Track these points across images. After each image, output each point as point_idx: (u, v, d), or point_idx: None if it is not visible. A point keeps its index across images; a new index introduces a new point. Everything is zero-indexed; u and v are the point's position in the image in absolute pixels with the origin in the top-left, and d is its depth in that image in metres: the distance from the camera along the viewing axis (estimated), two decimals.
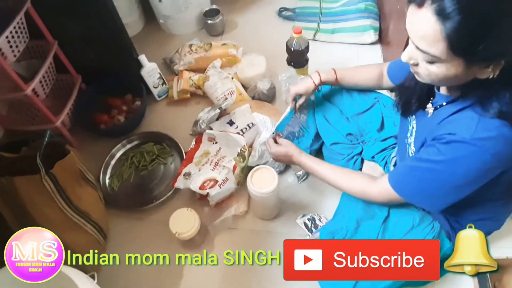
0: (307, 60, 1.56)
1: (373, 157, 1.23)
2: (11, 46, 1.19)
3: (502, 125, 0.71)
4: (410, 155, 0.95)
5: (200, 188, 1.25)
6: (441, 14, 0.63)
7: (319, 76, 1.20)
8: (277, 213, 1.30)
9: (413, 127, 0.94)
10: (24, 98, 1.26)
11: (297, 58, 1.53)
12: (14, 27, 1.20)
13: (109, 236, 1.31)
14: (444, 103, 0.83)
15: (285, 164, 1.40)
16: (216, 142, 1.42)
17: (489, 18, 0.62)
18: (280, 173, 1.39)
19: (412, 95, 0.92)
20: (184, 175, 1.32)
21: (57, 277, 0.81)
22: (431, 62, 0.71)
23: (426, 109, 0.89)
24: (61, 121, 1.41)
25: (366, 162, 1.29)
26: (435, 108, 0.86)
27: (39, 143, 1.04)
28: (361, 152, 1.28)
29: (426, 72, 0.73)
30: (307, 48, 1.49)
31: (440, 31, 0.64)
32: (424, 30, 0.66)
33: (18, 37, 1.23)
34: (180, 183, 1.31)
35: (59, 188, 1.05)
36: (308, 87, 1.21)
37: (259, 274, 1.20)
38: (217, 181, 1.26)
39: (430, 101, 0.88)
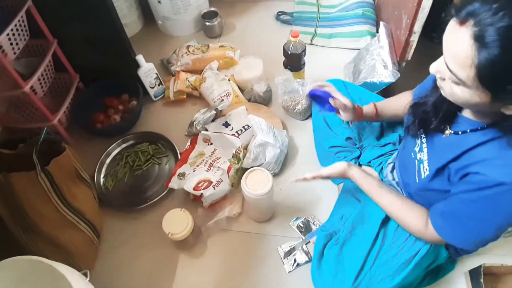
0: (304, 64, 1.57)
1: (369, 162, 1.25)
2: (11, 44, 1.20)
3: None
4: (423, 174, 0.89)
5: (194, 189, 1.26)
6: (480, 40, 0.59)
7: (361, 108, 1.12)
8: (271, 215, 1.31)
9: (422, 142, 0.90)
10: (22, 95, 1.27)
11: (294, 62, 1.54)
12: (15, 25, 1.20)
13: (103, 235, 1.31)
14: (468, 130, 0.77)
15: (280, 167, 1.41)
16: (211, 143, 1.43)
17: None
18: (275, 175, 1.41)
19: (433, 114, 0.85)
20: (178, 175, 1.33)
21: (50, 274, 0.82)
22: (456, 84, 0.68)
23: (444, 133, 0.83)
24: (58, 119, 1.42)
25: (363, 167, 1.30)
26: (455, 133, 0.81)
27: (35, 140, 1.05)
28: (358, 157, 1.29)
29: (450, 90, 0.70)
30: (304, 52, 1.50)
31: (472, 57, 0.60)
32: (457, 50, 0.63)
33: (19, 34, 1.23)
34: (174, 183, 1.32)
35: (54, 185, 1.05)
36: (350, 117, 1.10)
37: (253, 275, 1.21)
38: (211, 182, 1.27)
39: (448, 124, 0.83)
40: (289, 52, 1.49)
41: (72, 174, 1.15)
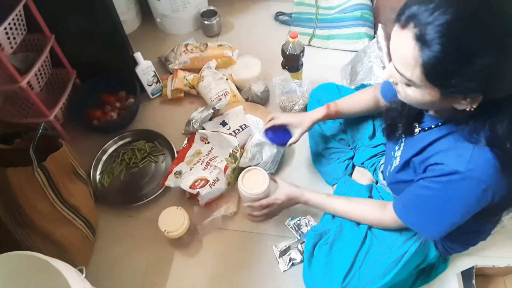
0: (302, 64, 1.58)
1: (363, 163, 1.26)
2: (8, 38, 1.19)
3: (492, 156, 0.70)
4: (392, 168, 0.96)
5: (190, 187, 1.26)
6: (421, 40, 0.62)
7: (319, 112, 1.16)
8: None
9: (401, 142, 0.94)
10: (19, 90, 1.26)
11: (292, 62, 1.54)
12: (13, 19, 1.20)
13: (98, 232, 1.31)
14: (433, 126, 0.82)
15: (276, 166, 1.42)
16: (208, 142, 1.43)
17: (469, 53, 0.60)
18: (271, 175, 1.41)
19: (399, 119, 0.91)
20: (175, 173, 1.33)
21: (46, 270, 0.82)
22: (407, 85, 0.71)
23: (415, 132, 0.88)
24: (54, 115, 1.41)
25: (356, 168, 1.31)
26: (423, 130, 0.85)
27: (32, 136, 1.04)
28: (352, 157, 1.30)
29: (403, 93, 0.74)
30: (302, 52, 1.51)
31: (417, 57, 0.63)
32: (402, 52, 0.66)
33: (16, 29, 1.23)
34: (170, 181, 1.32)
35: (51, 181, 1.05)
36: (304, 121, 1.17)
37: (248, 274, 1.21)
38: (208, 181, 1.27)
39: (417, 123, 0.87)
40: (287, 53, 1.50)
41: (69, 170, 1.15)
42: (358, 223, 1.03)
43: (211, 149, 1.41)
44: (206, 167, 1.33)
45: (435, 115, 0.83)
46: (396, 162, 0.94)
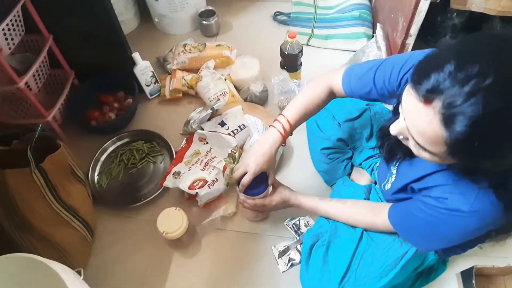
0: (300, 64, 1.58)
1: (360, 163, 1.26)
2: (6, 39, 1.19)
3: (497, 200, 0.68)
4: (387, 186, 0.95)
5: (189, 188, 1.25)
6: (449, 124, 0.55)
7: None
8: (265, 215, 1.31)
9: (400, 158, 0.92)
10: (17, 91, 1.25)
11: (291, 62, 1.54)
12: (11, 20, 1.19)
13: (96, 233, 1.31)
14: None
15: (279, 160, 1.41)
16: (207, 143, 1.43)
17: (498, 146, 0.56)
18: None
19: (397, 146, 0.85)
20: (173, 174, 1.33)
21: (43, 272, 0.81)
22: (423, 149, 0.64)
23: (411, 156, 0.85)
24: (52, 116, 1.41)
25: (355, 168, 1.31)
26: None
27: (30, 137, 1.04)
28: (351, 157, 1.30)
29: (415, 149, 0.68)
30: (301, 52, 1.51)
31: (443, 137, 0.57)
32: (425, 129, 0.59)
33: (14, 30, 1.22)
34: (169, 182, 1.31)
35: (49, 182, 1.04)
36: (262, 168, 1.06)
37: (247, 274, 1.21)
38: (206, 182, 1.27)
39: None
40: (286, 53, 1.49)
41: (67, 171, 1.14)
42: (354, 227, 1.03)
43: (210, 149, 1.40)
44: (204, 167, 1.33)
45: None
46: (392, 178, 0.93)
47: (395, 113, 0.78)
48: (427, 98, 0.57)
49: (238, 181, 1.09)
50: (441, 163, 0.67)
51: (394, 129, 0.70)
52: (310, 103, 1.03)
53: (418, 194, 0.83)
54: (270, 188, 1.14)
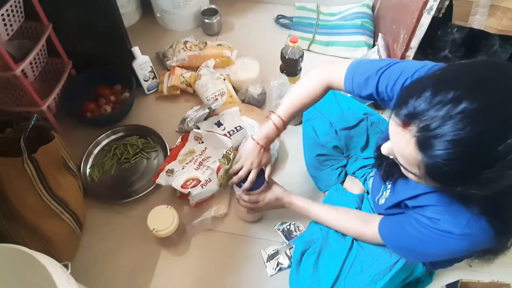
0: (300, 69, 1.58)
1: (354, 172, 1.26)
2: (5, 25, 1.17)
3: (489, 227, 0.68)
4: (381, 201, 0.96)
5: (182, 187, 1.25)
6: (424, 148, 0.57)
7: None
8: (260, 215, 1.31)
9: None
10: (13, 78, 1.24)
11: (291, 67, 1.54)
12: (11, 6, 1.17)
13: (86, 226, 1.29)
14: None
15: (273, 164, 1.41)
16: (202, 142, 1.42)
17: (473, 169, 0.56)
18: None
19: (394, 167, 0.84)
20: (166, 171, 1.32)
21: (30, 264, 0.80)
22: (406, 169, 0.66)
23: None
24: (47, 105, 1.39)
25: (348, 176, 1.31)
26: None
27: (24, 126, 1.02)
28: (345, 165, 1.31)
29: (403, 169, 0.68)
30: (301, 57, 1.51)
31: (420, 160, 0.59)
32: (404, 151, 0.61)
33: (14, 15, 1.20)
34: (162, 179, 1.30)
35: (40, 173, 1.03)
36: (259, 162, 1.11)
37: (235, 276, 1.20)
38: (199, 181, 1.26)
39: None
40: (286, 57, 1.49)
41: (59, 163, 1.13)
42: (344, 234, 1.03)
43: (205, 149, 1.40)
44: (198, 167, 1.32)
45: None
46: (387, 193, 0.94)
47: None
48: (405, 122, 0.59)
49: (236, 174, 1.12)
50: (428, 185, 0.68)
51: (384, 149, 0.72)
52: (305, 99, 1.02)
53: (412, 211, 0.84)
54: (265, 184, 1.14)
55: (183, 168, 1.32)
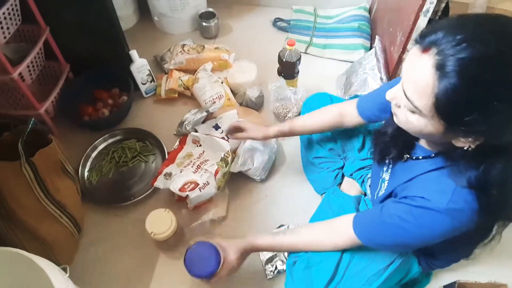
0: (297, 72, 1.58)
1: (351, 174, 1.26)
2: (2, 28, 1.17)
3: (473, 200, 0.70)
4: (380, 192, 0.95)
5: (180, 190, 1.24)
6: (441, 69, 0.59)
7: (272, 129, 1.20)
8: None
9: (390, 163, 0.93)
10: (10, 81, 1.24)
11: (288, 70, 1.55)
12: (8, 9, 1.18)
13: (84, 230, 1.29)
14: (421, 157, 0.82)
15: (267, 173, 1.42)
16: (200, 145, 1.42)
17: (485, 96, 0.58)
18: (262, 181, 1.41)
19: (391, 144, 0.88)
20: (165, 175, 1.32)
21: (28, 267, 0.80)
22: (412, 112, 0.68)
23: (403, 158, 0.87)
24: (45, 109, 1.39)
25: (346, 178, 1.32)
26: (411, 158, 0.85)
27: (21, 129, 1.02)
28: (342, 167, 1.31)
29: (405, 118, 0.71)
30: (299, 60, 1.51)
31: (432, 86, 0.60)
32: (418, 77, 0.63)
33: (11, 19, 1.21)
34: (160, 182, 1.30)
35: (38, 177, 1.03)
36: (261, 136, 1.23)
37: (233, 280, 1.19)
38: (197, 184, 1.26)
39: (407, 152, 0.86)
40: (284, 60, 1.50)
41: (57, 166, 1.13)
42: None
43: (203, 152, 1.40)
44: (196, 170, 1.32)
45: (427, 147, 0.82)
46: (385, 185, 0.94)
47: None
48: (426, 47, 0.62)
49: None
50: (428, 131, 0.68)
51: (389, 93, 0.73)
52: (315, 120, 1.15)
53: (399, 195, 0.83)
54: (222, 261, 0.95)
55: (181, 172, 1.32)
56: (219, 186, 1.32)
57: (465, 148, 0.67)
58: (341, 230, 0.91)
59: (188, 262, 0.95)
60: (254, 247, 0.99)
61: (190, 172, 1.30)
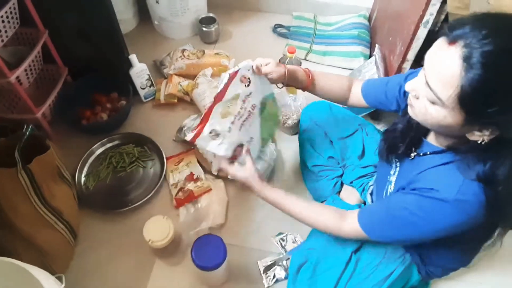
0: None
1: (351, 182, 1.26)
2: (0, 31, 1.16)
3: (481, 192, 0.71)
4: (388, 193, 0.95)
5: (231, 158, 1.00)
6: (467, 61, 0.61)
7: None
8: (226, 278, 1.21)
9: (396, 166, 0.94)
10: (7, 85, 1.22)
11: None
12: (6, 12, 1.16)
13: (80, 236, 1.27)
14: (428, 153, 0.83)
15: (266, 180, 1.40)
16: (249, 85, 1.02)
17: (508, 88, 0.61)
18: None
19: (400, 140, 0.90)
20: (210, 133, 0.96)
21: (23, 277, 0.79)
22: (432, 102, 0.69)
23: (410, 156, 0.88)
24: (42, 113, 1.38)
25: (345, 186, 1.31)
26: (418, 155, 0.86)
27: (18, 136, 1.01)
28: (341, 175, 1.30)
29: (423, 110, 0.72)
30: None
31: (458, 77, 0.62)
32: (444, 68, 0.64)
33: (9, 22, 1.19)
34: (204, 141, 0.96)
35: (34, 183, 1.01)
36: (278, 73, 1.03)
37: (230, 287, 1.19)
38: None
39: (414, 149, 0.88)
40: None
41: (54, 172, 1.11)
42: (343, 246, 1.00)
43: (250, 94, 1.03)
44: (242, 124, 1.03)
45: (436, 143, 0.83)
46: (391, 187, 0.94)
47: (404, 114, 0.88)
48: (453, 40, 0.64)
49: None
50: (446, 122, 0.69)
51: (409, 84, 0.75)
52: (332, 80, 1.11)
53: (406, 189, 0.83)
54: (245, 158, 0.98)
55: (229, 130, 0.99)
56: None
57: (479, 142, 0.69)
58: (348, 219, 0.91)
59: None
60: (260, 193, 0.98)
61: (236, 132, 1.01)
